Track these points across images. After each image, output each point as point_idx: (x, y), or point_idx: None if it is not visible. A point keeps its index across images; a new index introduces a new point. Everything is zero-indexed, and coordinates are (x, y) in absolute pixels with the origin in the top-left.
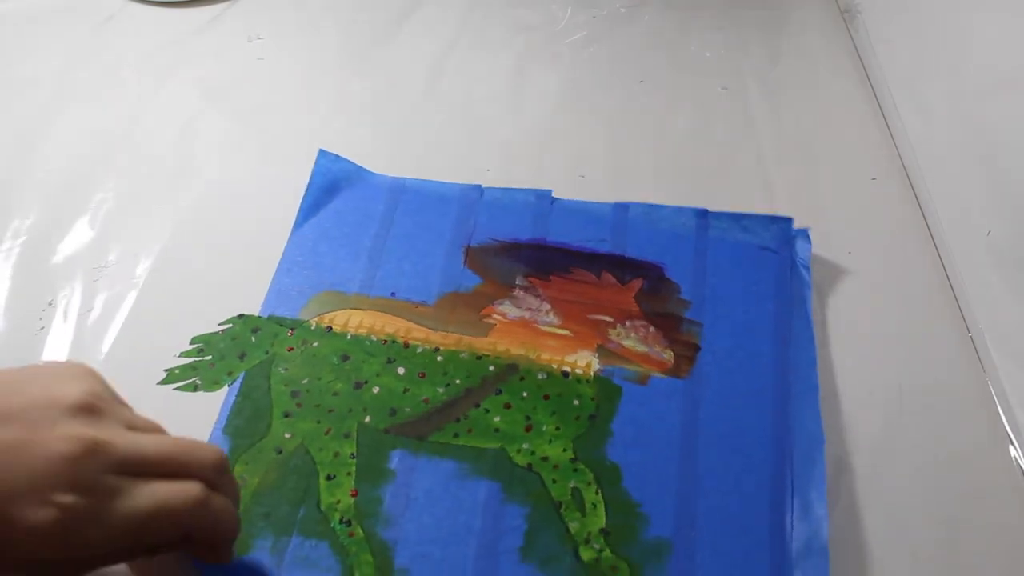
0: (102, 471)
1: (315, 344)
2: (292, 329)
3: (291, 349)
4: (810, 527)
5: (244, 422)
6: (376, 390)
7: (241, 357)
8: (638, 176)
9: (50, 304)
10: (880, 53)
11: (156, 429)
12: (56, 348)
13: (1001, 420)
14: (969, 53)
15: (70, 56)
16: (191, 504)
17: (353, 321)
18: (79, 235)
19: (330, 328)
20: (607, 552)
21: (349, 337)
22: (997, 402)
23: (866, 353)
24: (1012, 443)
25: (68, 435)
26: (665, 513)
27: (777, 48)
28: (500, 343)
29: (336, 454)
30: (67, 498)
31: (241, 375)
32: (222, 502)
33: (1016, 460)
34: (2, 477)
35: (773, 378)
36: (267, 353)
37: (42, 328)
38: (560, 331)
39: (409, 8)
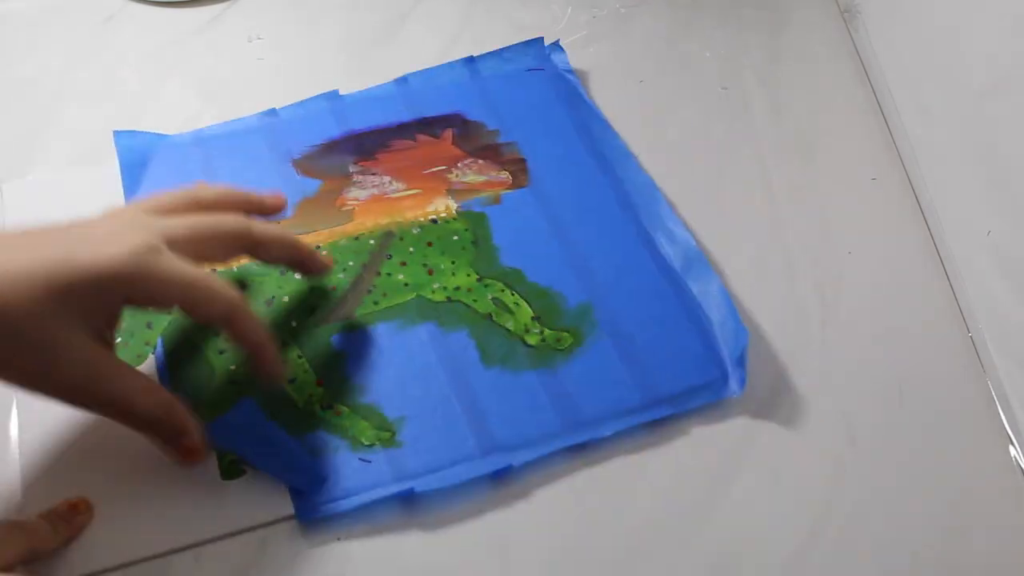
0: (161, 237)
1: None
2: None
3: None
4: (680, 247)
5: (186, 378)
6: (285, 299)
7: (148, 325)
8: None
9: None
10: (880, 53)
11: None
12: None
13: (1001, 420)
14: (969, 53)
15: (70, 56)
16: (230, 294)
17: None
18: None
19: (214, 270)
20: (547, 331)
21: (236, 269)
22: (997, 402)
23: (865, 354)
24: (1012, 443)
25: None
26: (573, 286)
27: (777, 48)
28: (367, 221)
29: (284, 362)
30: (137, 237)
31: (159, 340)
32: (254, 316)
33: (1016, 460)
34: (86, 232)
35: (592, 156)
36: (170, 311)
37: None
38: (410, 191)
39: (409, 8)
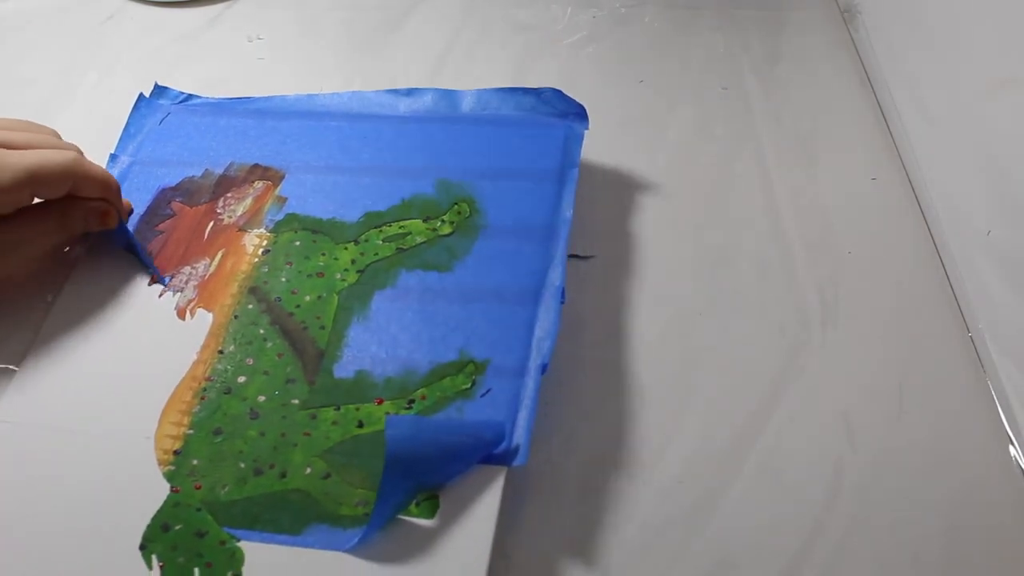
0: None
1: None
2: None
3: None
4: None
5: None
6: (277, 393)
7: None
8: (638, 176)
9: (49, 301)
10: (880, 53)
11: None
12: None
13: (1001, 420)
14: (969, 53)
15: (70, 56)
16: (68, 160)
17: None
18: None
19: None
20: (444, 215)
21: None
22: (997, 402)
23: (866, 353)
24: (1012, 443)
25: None
26: (410, 181)
27: (777, 48)
28: (223, 301)
29: (335, 422)
30: None
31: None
32: (94, 165)
33: (1016, 460)
34: None
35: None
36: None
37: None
38: (219, 258)
39: (409, 8)
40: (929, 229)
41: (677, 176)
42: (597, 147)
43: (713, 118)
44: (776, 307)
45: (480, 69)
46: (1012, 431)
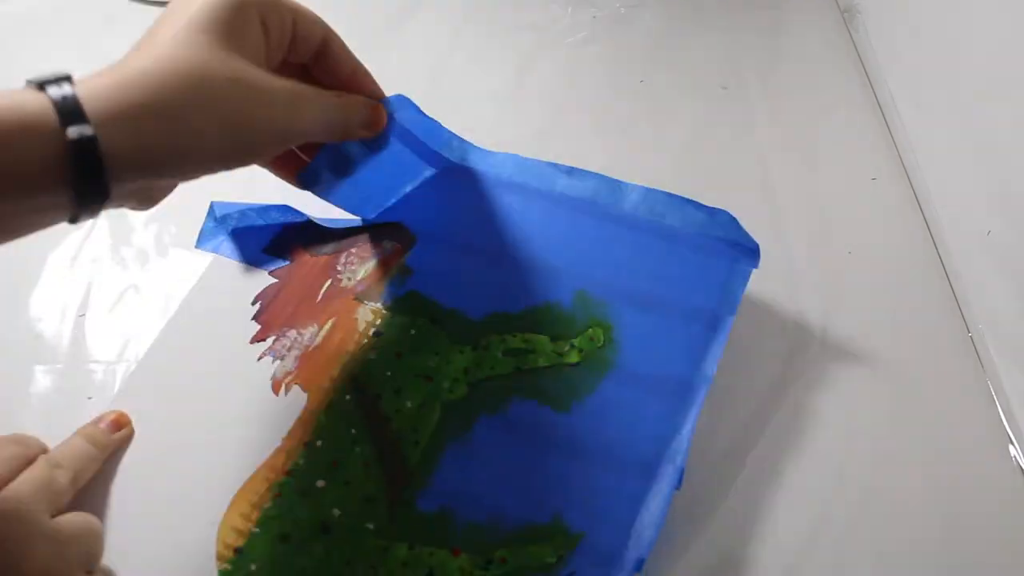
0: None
1: None
2: None
3: None
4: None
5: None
6: (358, 496)
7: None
8: (638, 176)
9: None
10: (880, 53)
11: None
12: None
13: (1001, 420)
14: (969, 53)
15: (70, 56)
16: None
17: None
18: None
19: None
20: (575, 340)
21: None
22: (997, 402)
23: (866, 354)
24: (1012, 443)
25: None
26: (553, 286)
27: (777, 48)
28: (321, 383)
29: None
30: None
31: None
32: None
33: (1016, 460)
34: None
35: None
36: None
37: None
38: (327, 328)
39: (409, 8)
40: (929, 229)
41: (677, 176)
42: (597, 147)
43: (713, 118)
44: (776, 307)
45: (481, 70)
46: (1012, 431)
